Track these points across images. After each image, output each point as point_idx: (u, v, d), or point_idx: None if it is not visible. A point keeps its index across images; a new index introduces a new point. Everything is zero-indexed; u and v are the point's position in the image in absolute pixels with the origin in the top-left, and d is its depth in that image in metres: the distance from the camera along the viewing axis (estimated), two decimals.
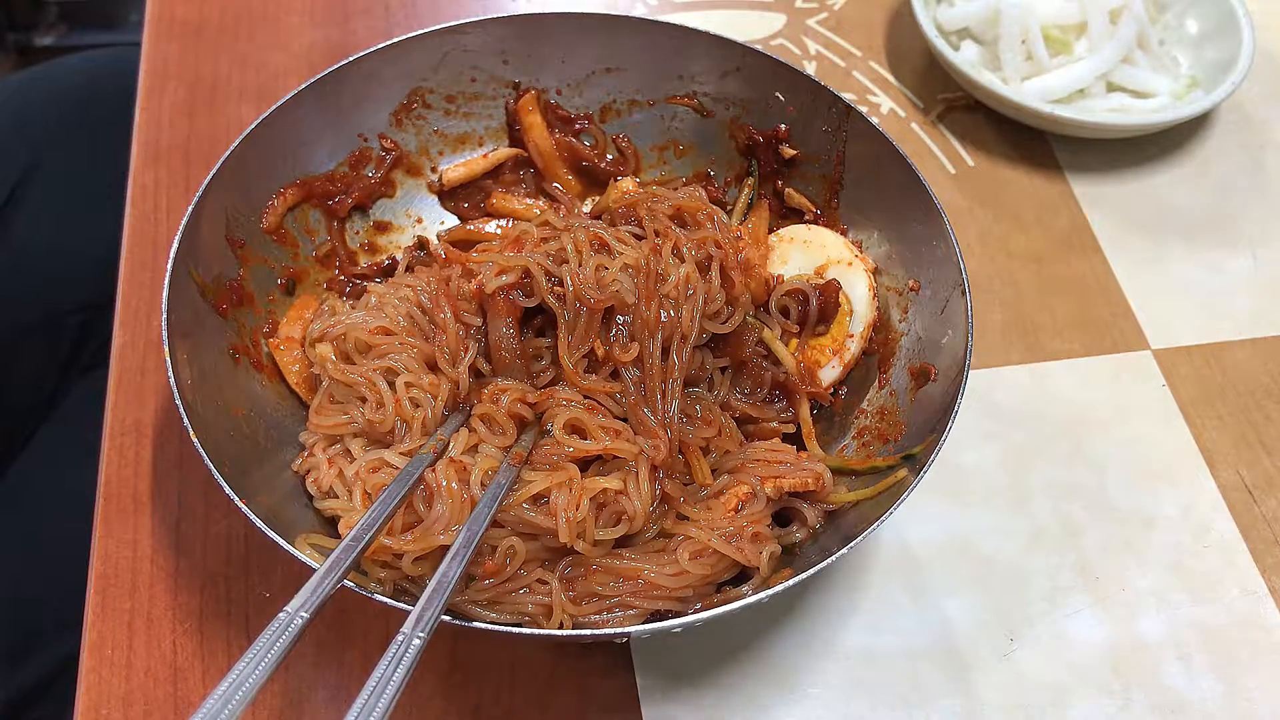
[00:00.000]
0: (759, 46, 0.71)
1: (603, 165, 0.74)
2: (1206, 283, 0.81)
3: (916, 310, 0.65)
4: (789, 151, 0.71)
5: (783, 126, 0.71)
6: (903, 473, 0.57)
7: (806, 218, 0.71)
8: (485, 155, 0.74)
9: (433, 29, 0.68)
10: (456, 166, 0.74)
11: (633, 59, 0.72)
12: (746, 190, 0.73)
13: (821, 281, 0.67)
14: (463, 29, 0.69)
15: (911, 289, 0.65)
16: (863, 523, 0.54)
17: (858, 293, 0.67)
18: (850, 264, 0.67)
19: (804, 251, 0.69)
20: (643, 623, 0.54)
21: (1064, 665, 0.62)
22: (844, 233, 0.70)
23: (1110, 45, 0.84)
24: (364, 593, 0.49)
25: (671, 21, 0.71)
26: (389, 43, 0.67)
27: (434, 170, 0.74)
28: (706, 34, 0.70)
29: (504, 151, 0.74)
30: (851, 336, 0.66)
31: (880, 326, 0.67)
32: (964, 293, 0.60)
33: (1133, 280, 0.80)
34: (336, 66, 0.64)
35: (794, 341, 0.67)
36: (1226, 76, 0.84)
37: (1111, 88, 0.86)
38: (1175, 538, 0.68)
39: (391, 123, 0.71)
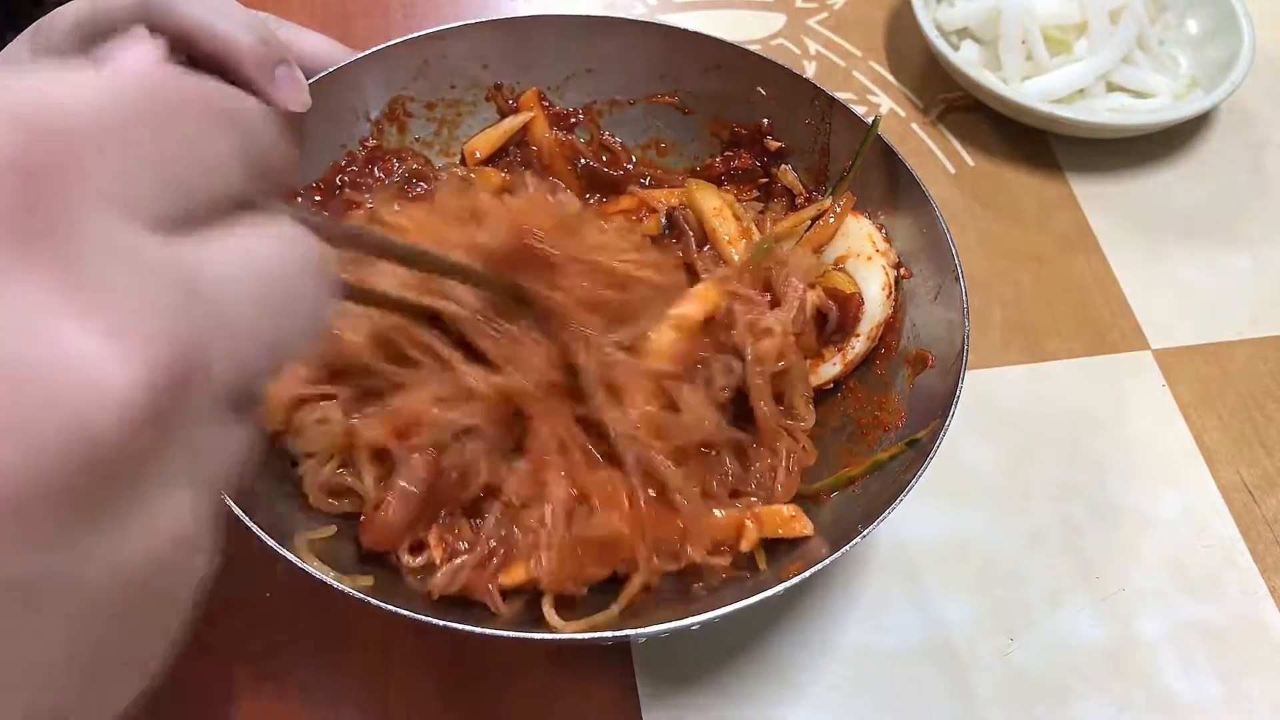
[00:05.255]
0: (757, 46, 0.71)
1: (600, 166, 0.74)
2: (1206, 283, 0.81)
3: (910, 298, 0.65)
4: (774, 144, 0.71)
5: (765, 121, 0.71)
6: (906, 455, 0.57)
7: (798, 200, 0.71)
8: (500, 124, 0.72)
9: (410, 37, 0.68)
10: (475, 138, 0.72)
11: (613, 60, 0.72)
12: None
13: (844, 295, 0.65)
14: (440, 35, 0.69)
15: (904, 277, 0.65)
16: (871, 511, 0.53)
17: (871, 291, 0.65)
18: (870, 258, 0.66)
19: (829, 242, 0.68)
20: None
21: (1064, 665, 0.63)
22: (876, 220, 0.68)
23: (1110, 45, 0.84)
24: (358, 594, 0.49)
25: (651, 21, 0.71)
26: (367, 53, 0.67)
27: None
28: (685, 31, 0.70)
29: (522, 117, 0.72)
30: (858, 335, 0.65)
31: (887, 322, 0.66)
32: (958, 279, 0.60)
33: (1133, 280, 0.80)
34: (314, 79, 0.64)
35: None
36: (1226, 76, 0.84)
37: (1111, 88, 0.86)
38: (1175, 538, 0.68)
39: (374, 132, 0.71)
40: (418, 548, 0.56)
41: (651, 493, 0.57)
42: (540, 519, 0.55)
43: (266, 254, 0.23)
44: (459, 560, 0.54)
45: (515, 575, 0.55)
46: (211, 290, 0.21)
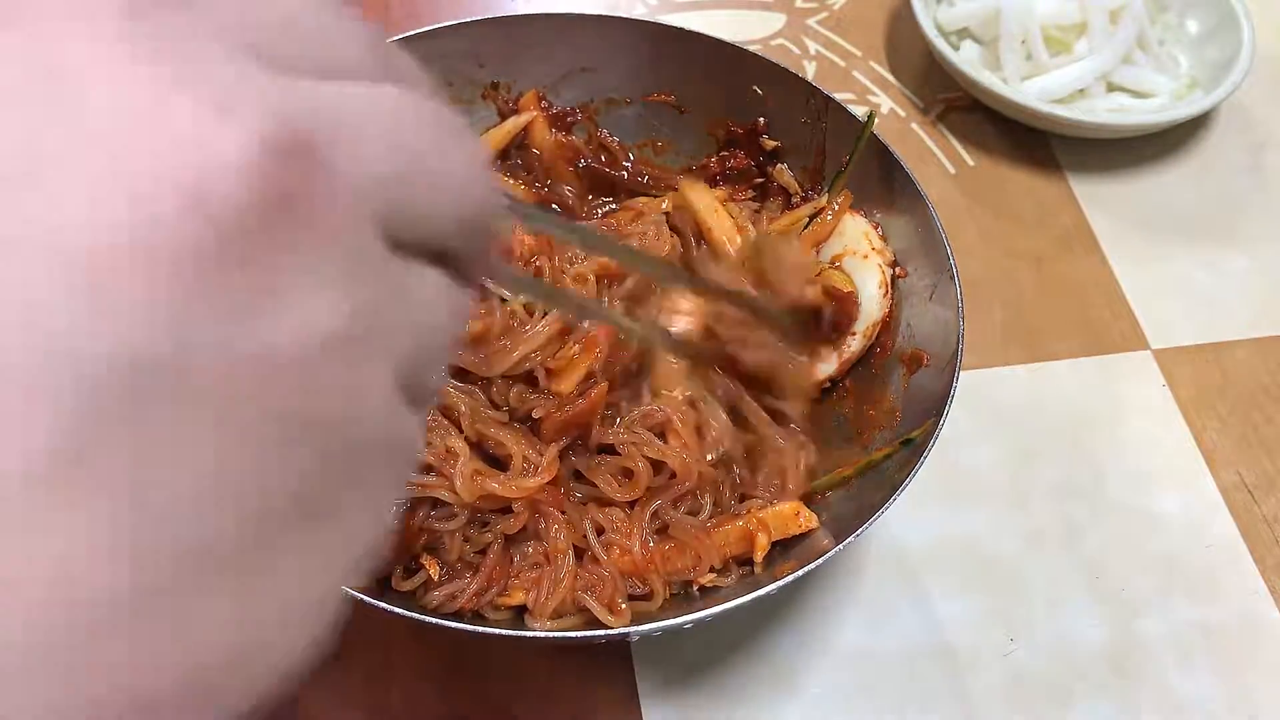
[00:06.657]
0: (757, 46, 0.71)
1: (601, 166, 0.74)
2: (1206, 283, 0.81)
3: (905, 297, 0.65)
4: (770, 143, 0.71)
5: (761, 120, 0.71)
6: (900, 455, 0.57)
7: (794, 200, 0.71)
8: (504, 125, 0.72)
9: (405, 35, 0.68)
10: (480, 138, 0.72)
11: (609, 58, 0.72)
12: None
13: (841, 293, 0.65)
14: (435, 34, 0.68)
15: (899, 276, 0.65)
16: (866, 510, 0.53)
17: (867, 290, 0.65)
18: (866, 256, 0.66)
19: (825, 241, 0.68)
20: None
21: (1064, 665, 0.62)
22: (871, 219, 0.68)
23: (1110, 45, 0.84)
24: (357, 594, 0.49)
25: (646, 20, 0.71)
26: None
27: None
28: (680, 30, 0.70)
29: (525, 116, 0.72)
30: (854, 334, 0.65)
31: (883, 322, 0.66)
32: (953, 278, 0.60)
33: (1133, 280, 0.80)
34: None
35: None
36: (1226, 76, 0.84)
37: (1111, 88, 0.86)
38: (1175, 538, 0.68)
39: None
40: (411, 566, 0.56)
41: (660, 523, 0.57)
42: (546, 554, 0.56)
43: (390, 98, 0.23)
44: (459, 583, 0.55)
45: (513, 599, 0.55)
46: (328, 100, 0.21)
